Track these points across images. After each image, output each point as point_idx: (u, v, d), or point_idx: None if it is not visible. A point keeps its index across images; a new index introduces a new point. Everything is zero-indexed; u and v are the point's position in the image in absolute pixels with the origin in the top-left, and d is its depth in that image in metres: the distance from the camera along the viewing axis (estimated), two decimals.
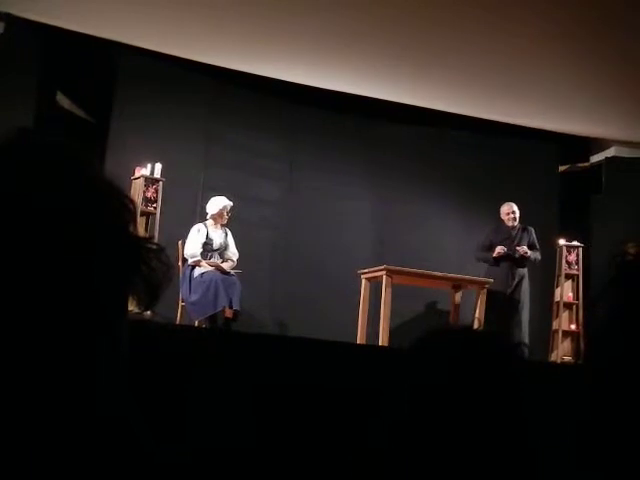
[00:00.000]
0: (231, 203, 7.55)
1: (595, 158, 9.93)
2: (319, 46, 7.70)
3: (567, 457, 0.92)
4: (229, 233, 7.58)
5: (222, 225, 7.56)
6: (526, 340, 7.79)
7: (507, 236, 8.03)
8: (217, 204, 7.52)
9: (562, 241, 9.16)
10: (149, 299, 0.77)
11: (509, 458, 1.07)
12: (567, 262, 9.15)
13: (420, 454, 1.08)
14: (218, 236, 7.49)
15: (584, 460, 0.88)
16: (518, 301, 7.91)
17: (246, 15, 7.08)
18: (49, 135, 0.77)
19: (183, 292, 7.23)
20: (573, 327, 8.94)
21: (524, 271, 8.04)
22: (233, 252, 7.54)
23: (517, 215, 8.10)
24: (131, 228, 0.77)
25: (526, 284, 8.04)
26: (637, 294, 0.86)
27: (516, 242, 8.00)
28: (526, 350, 1.18)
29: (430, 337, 1.16)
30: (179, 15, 7.16)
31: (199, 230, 7.44)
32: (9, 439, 0.69)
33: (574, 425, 0.91)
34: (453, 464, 1.06)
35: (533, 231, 8.11)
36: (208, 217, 7.55)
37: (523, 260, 7.97)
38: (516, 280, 7.94)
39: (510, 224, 8.07)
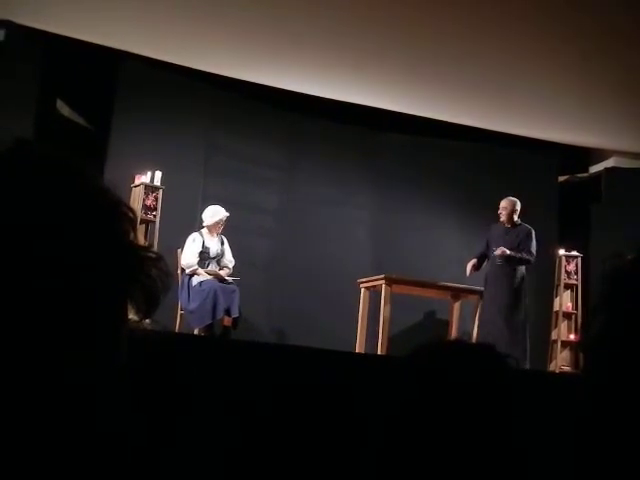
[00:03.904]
0: (227, 214, 7.52)
1: (594, 168, 9.94)
2: (321, 55, 7.72)
3: (564, 462, 0.93)
4: (225, 241, 7.58)
5: (217, 233, 7.55)
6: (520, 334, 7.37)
7: (498, 233, 7.64)
8: (213, 216, 7.49)
9: (561, 251, 9.19)
10: (148, 308, 0.78)
11: (496, 461, 1.10)
12: (566, 272, 9.16)
13: (411, 459, 1.10)
14: (214, 244, 7.49)
15: (581, 466, 0.89)
16: (512, 299, 7.44)
17: (249, 24, 7.10)
18: (48, 144, 0.77)
19: (182, 301, 7.23)
20: (572, 337, 8.95)
21: (516, 271, 7.53)
22: (229, 259, 7.54)
23: (506, 212, 7.60)
24: (131, 237, 0.77)
25: (517, 284, 7.51)
26: (632, 304, 0.86)
27: (507, 240, 7.54)
28: (515, 361, 1.19)
29: (421, 351, 1.18)
30: (180, 23, 7.17)
31: (194, 239, 7.43)
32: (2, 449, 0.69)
33: (572, 432, 0.91)
34: (442, 466, 1.09)
35: (532, 233, 7.56)
36: (204, 225, 7.54)
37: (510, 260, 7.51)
38: (504, 278, 7.48)
39: (502, 219, 7.65)
